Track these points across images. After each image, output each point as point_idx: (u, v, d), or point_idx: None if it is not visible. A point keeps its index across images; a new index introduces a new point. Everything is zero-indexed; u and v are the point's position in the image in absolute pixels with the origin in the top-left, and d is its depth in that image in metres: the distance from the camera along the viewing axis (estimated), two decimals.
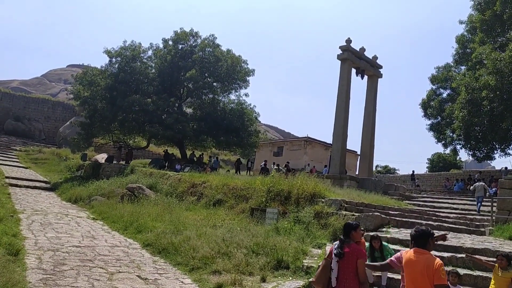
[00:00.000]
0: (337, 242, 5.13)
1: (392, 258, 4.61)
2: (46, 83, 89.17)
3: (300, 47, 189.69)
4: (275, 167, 26.89)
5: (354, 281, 4.86)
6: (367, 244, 8.58)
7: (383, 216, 11.49)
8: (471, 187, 22.34)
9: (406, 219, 12.31)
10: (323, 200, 12.86)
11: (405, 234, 10.45)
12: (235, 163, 32.44)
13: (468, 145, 29.87)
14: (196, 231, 10.90)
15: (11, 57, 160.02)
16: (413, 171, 39.84)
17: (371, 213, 11.26)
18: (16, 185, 23.37)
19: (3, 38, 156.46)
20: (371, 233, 9.38)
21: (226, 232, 10.59)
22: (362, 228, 5.58)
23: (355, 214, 11.72)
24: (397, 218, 12.08)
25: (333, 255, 5.01)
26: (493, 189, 22.64)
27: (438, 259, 4.19)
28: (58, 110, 52.14)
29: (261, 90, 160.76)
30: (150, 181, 20.19)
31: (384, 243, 8.56)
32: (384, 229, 10.87)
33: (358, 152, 29.83)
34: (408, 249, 4.59)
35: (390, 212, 13.15)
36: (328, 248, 9.85)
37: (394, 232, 10.58)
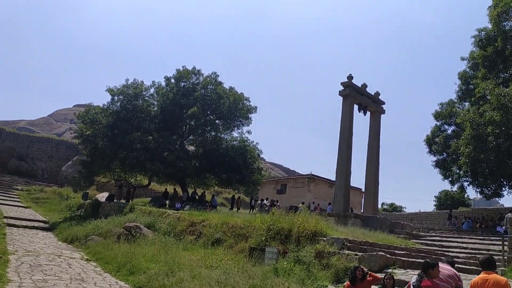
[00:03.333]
0: (415, 276, 5.94)
1: None
2: (52, 123, 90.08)
3: (302, 85, 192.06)
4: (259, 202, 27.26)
5: None
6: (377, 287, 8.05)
7: (388, 256, 10.87)
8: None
9: (413, 259, 11.67)
10: (324, 238, 12.27)
11: (412, 275, 9.81)
12: (231, 199, 31.80)
13: (476, 182, 29.24)
14: (191, 272, 10.32)
15: (19, 98, 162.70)
16: (451, 210, 37.84)
17: (375, 253, 10.66)
18: (14, 225, 22.99)
19: (12, 79, 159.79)
20: (379, 274, 8.75)
21: (222, 273, 10.01)
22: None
23: (358, 253, 11.11)
24: (403, 258, 11.44)
25: (412, 287, 5.79)
26: (503, 227, 21.93)
27: (503, 277, 5.08)
28: (62, 149, 52.12)
29: (265, 129, 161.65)
30: (148, 220, 19.64)
31: None
32: (389, 270, 10.24)
33: (363, 190, 29.26)
34: None
35: (396, 251, 12.51)
36: None
37: (400, 274, 9.95)
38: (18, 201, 34.87)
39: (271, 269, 10.64)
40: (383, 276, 8.07)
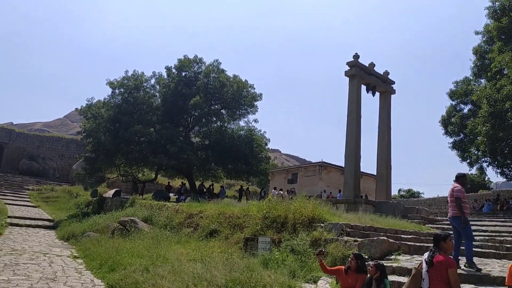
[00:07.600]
0: (427, 252, 5.41)
1: None
2: (68, 124, 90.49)
3: (313, 74, 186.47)
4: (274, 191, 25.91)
5: None
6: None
7: (391, 241, 9.66)
8: None
9: (421, 244, 10.46)
10: (322, 225, 11.14)
11: (417, 262, 8.63)
12: (239, 191, 30.73)
13: (495, 162, 27.69)
14: (172, 267, 9.34)
15: (34, 101, 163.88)
16: (498, 194, 33.64)
17: (376, 238, 9.47)
18: (17, 225, 22.57)
19: (26, 84, 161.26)
20: (372, 262, 7.62)
21: (201, 267, 8.99)
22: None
23: (358, 239, 9.97)
24: (410, 243, 10.23)
25: (424, 263, 5.27)
26: None
27: None
28: (72, 147, 51.84)
29: (280, 122, 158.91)
30: (146, 214, 18.80)
31: (386, 280, 6.73)
32: (392, 257, 9.08)
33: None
34: None
35: (403, 236, 11.32)
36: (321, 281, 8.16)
37: (403, 260, 8.78)
38: (28, 201, 34.63)
39: (260, 260, 9.59)
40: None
